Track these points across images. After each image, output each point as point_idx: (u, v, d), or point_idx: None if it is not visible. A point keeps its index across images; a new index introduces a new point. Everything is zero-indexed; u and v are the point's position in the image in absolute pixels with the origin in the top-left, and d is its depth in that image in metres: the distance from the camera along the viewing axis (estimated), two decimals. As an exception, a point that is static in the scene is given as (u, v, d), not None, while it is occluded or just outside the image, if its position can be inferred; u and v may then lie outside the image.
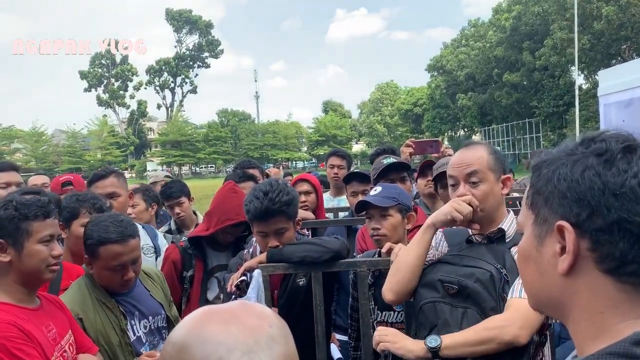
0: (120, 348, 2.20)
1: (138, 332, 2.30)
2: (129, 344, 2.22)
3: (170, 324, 2.44)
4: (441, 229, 2.05)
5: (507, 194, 1.98)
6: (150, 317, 2.37)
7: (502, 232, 1.88)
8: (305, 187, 3.70)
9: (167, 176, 5.09)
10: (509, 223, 1.89)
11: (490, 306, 1.71)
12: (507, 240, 1.87)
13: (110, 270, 2.20)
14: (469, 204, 1.82)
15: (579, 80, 34.36)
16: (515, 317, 1.60)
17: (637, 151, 0.80)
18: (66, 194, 2.82)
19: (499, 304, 1.70)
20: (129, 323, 2.26)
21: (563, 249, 0.81)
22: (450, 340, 1.67)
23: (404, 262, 1.93)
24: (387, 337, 1.81)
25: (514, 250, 1.79)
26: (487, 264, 1.76)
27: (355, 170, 3.72)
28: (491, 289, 1.72)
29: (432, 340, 1.67)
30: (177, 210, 4.02)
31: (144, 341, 2.30)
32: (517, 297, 1.63)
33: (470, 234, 1.95)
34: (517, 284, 1.66)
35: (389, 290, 1.94)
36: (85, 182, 3.61)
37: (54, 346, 1.86)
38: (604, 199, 0.77)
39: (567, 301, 0.83)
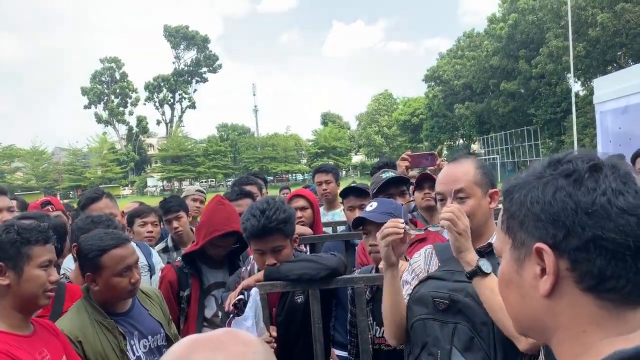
0: None
1: (138, 352, 2.31)
2: None
3: (170, 342, 2.44)
4: (430, 246, 2.07)
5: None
6: (149, 337, 2.38)
7: (491, 246, 1.88)
8: (301, 202, 3.72)
9: (199, 190, 5.04)
10: (487, 267, 1.85)
11: (481, 320, 1.71)
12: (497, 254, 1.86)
13: (118, 276, 2.23)
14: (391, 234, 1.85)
15: (576, 87, 34.54)
16: None
17: (603, 170, 0.82)
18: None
19: (490, 318, 1.70)
20: (128, 343, 2.26)
21: (543, 271, 0.82)
22: (489, 286, 1.65)
23: (384, 311, 1.94)
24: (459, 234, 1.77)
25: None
26: None
27: (352, 185, 3.74)
28: (482, 303, 1.71)
29: (485, 266, 1.68)
30: (175, 224, 4.01)
31: None
32: None
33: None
34: None
35: (389, 336, 1.96)
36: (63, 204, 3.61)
37: None
38: (577, 218, 0.79)
39: (551, 322, 0.84)
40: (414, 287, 1.92)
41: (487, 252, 1.88)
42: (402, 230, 1.84)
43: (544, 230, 0.82)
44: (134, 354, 2.28)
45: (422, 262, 2.07)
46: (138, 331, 2.34)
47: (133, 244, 3.31)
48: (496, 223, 1.94)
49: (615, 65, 32.12)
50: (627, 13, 28.29)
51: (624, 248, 0.77)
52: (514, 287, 0.89)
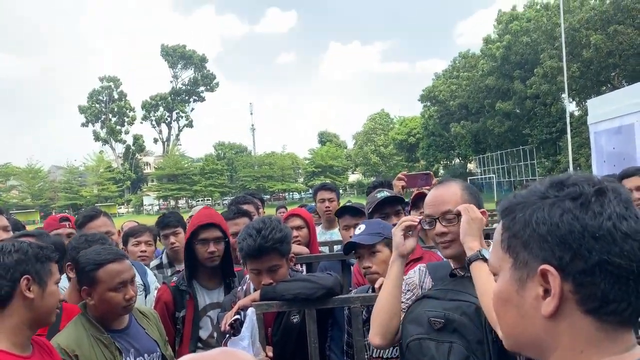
0: None
1: None
2: None
3: None
4: (424, 265, 2.10)
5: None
6: (145, 355, 2.37)
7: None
8: (297, 222, 3.73)
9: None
10: (489, 255, 1.89)
11: (477, 339, 1.71)
12: None
13: (113, 291, 2.24)
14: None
15: (571, 107, 34.82)
16: None
17: (607, 194, 0.83)
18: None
19: (486, 336, 1.71)
20: None
21: (546, 292, 0.82)
22: (486, 270, 1.68)
23: (379, 303, 1.96)
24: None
25: None
26: (471, 296, 1.77)
27: (347, 205, 3.75)
28: (477, 321, 1.73)
29: (487, 254, 1.67)
30: (172, 239, 3.97)
31: None
32: None
33: (453, 268, 1.96)
34: None
35: (375, 335, 1.94)
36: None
37: None
38: (584, 242, 0.79)
39: (550, 342, 0.84)
40: (409, 306, 1.93)
41: None
42: (417, 220, 1.97)
43: (549, 252, 0.82)
44: None
45: (416, 278, 2.08)
46: (134, 349, 2.33)
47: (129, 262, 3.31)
48: (488, 241, 1.97)
49: (609, 85, 32.49)
50: (620, 35, 28.72)
51: (628, 272, 0.78)
52: (513, 306, 0.89)
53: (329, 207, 4.42)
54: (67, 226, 3.59)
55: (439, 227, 1.91)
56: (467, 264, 1.78)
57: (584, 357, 0.81)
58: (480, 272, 1.72)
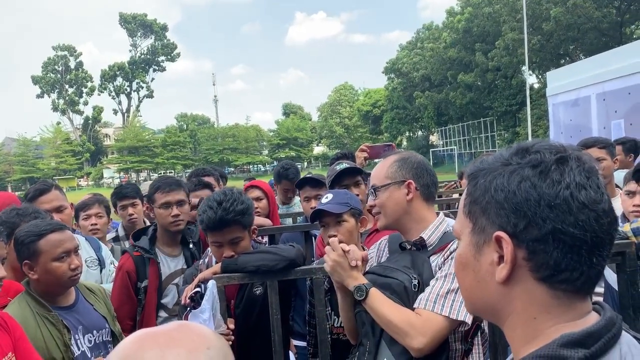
0: None
1: (82, 347, 2.24)
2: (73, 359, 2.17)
3: (115, 338, 2.40)
4: (386, 237, 2.11)
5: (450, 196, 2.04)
6: (94, 331, 2.32)
7: (424, 241, 1.88)
8: (256, 193, 3.70)
9: None
10: (431, 230, 1.89)
11: None
12: (429, 249, 1.88)
13: (57, 261, 2.16)
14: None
15: (531, 80, 35.48)
16: (427, 331, 1.66)
17: (569, 162, 0.82)
18: (4, 209, 2.66)
19: None
20: (72, 338, 2.20)
21: (500, 258, 0.83)
22: (375, 302, 1.74)
23: (341, 317, 2.03)
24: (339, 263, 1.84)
25: (433, 258, 1.84)
26: (402, 274, 1.80)
27: (307, 176, 3.74)
28: (405, 300, 1.76)
29: (359, 293, 1.76)
30: (130, 211, 3.86)
31: (89, 356, 2.24)
32: (430, 310, 1.68)
33: (402, 240, 1.97)
34: (429, 294, 1.71)
35: (350, 336, 2.04)
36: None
37: None
38: (539, 210, 0.80)
39: (504, 308, 0.86)
40: None
41: (419, 246, 1.89)
42: (344, 254, 1.86)
43: (505, 219, 0.83)
44: (78, 348, 2.22)
45: (375, 254, 2.10)
46: (83, 325, 2.28)
47: (80, 237, 3.20)
48: (437, 213, 1.98)
49: (568, 59, 33.17)
50: (579, 9, 29.21)
51: (581, 242, 0.79)
52: (470, 270, 0.90)
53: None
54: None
55: (369, 201, 1.97)
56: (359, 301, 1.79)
57: (537, 323, 0.83)
58: (374, 305, 1.74)
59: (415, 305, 1.73)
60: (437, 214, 1.98)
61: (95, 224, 3.64)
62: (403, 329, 1.66)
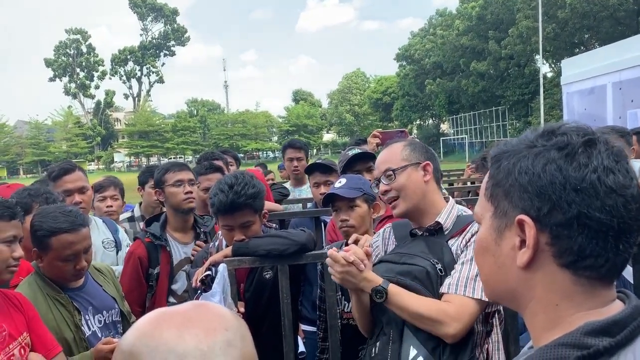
0: (75, 344, 2.14)
1: (93, 327, 2.25)
2: (84, 340, 2.17)
3: (124, 318, 2.41)
4: (390, 225, 2.08)
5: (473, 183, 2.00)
6: (104, 312, 2.33)
7: (439, 225, 1.85)
8: None
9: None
10: (446, 214, 1.87)
11: None
12: (446, 233, 1.85)
13: (63, 261, 2.15)
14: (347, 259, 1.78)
15: (544, 68, 35.06)
16: (462, 317, 1.63)
17: (597, 145, 0.79)
18: (17, 190, 2.68)
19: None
20: (83, 318, 2.21)
21: (522, 243, 0.81)
22: (397, 299, 1.68)
23: (353, 314, 1.97)
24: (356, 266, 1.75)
25: (451, 242, 1.81)
26: (423, 260, 1.76)
27: (317, 161, 3.72)
28: (428, 286, 1.72)
29: (378, 295, 1.69)
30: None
31: (100, 336, 2.25)
32: (462, 294, 1.66)
33: (412, 227, 1.93)
34: (457, 278, 1.68)
35: (362, 331, 1.97)
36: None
37: (1, 349, 1.80)
38: (565, 194, 0.77)
39: (525, 293, 0.84)
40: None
41: (436, 230, 1.86)
42: (348, 264, 1.75)
43: (528, 202, 0.80)
44: (89, 328, 2.23)
45: (380, 242, 2.07)
46: (92, 306, 2.28)
47: (97, 218, 3.22)
48: (447, 198, 1.95)
49: (582, 47, 32.71)
50: (595, -4, 28.77)
51: (608, 228, 0.76)
52: (490, 255, 0.88)
53: (297, 167, 4.39)
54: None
55: (382, 187, 1.90)
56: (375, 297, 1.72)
57: (559, 310, 0.80)
58: (397, 302, 1.68)
59: (443, 290, 1.70)
60: (447, 199, 1.96)
61: (111, 206, 3.68)
62: (437, 319, 1.63)
